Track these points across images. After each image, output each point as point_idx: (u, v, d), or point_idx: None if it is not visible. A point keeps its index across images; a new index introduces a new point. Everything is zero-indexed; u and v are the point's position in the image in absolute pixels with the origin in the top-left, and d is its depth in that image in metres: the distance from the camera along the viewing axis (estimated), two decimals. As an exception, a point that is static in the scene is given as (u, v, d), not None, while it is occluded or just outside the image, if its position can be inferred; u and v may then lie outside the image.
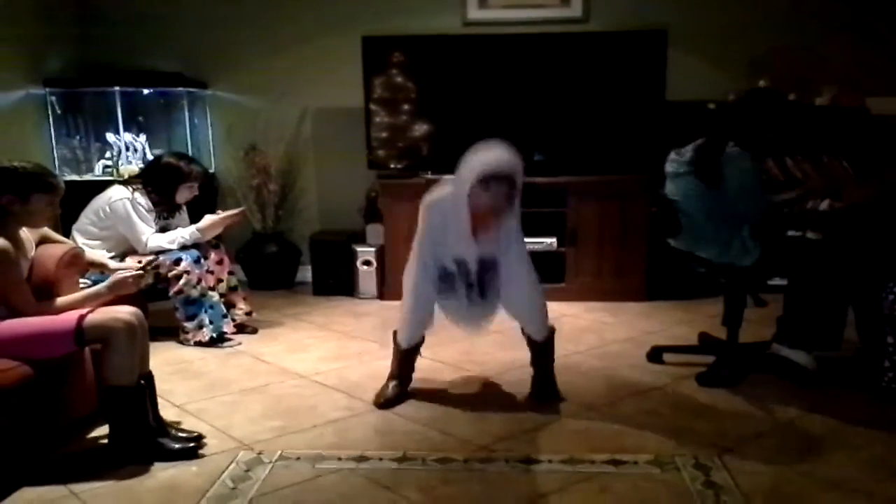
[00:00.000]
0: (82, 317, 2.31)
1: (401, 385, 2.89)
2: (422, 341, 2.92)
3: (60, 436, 2.49)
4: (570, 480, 2.21)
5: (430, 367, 3.23)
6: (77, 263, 2.76)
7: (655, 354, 3.29)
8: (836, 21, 4.50)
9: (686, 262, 3.15)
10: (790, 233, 3.35)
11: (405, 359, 2.91)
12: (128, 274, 2.61)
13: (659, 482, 2.20)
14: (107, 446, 2.39)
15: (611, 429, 2.59)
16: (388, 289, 4.48)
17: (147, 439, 2.36)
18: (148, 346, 2.49)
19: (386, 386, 2.88)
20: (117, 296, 2.57)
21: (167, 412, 2.61)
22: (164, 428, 2.45)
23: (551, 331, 2.92)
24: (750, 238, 2.90)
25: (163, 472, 2.29)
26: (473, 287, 2.75)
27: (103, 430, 2.45)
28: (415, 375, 2.95)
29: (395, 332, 2.93)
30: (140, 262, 3.41)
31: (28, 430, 2.32)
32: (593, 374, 3.15)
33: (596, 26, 4.61)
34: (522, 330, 2.91)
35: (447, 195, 2.71)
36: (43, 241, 2.70)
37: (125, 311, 2.38)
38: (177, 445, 2.40)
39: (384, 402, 2.81)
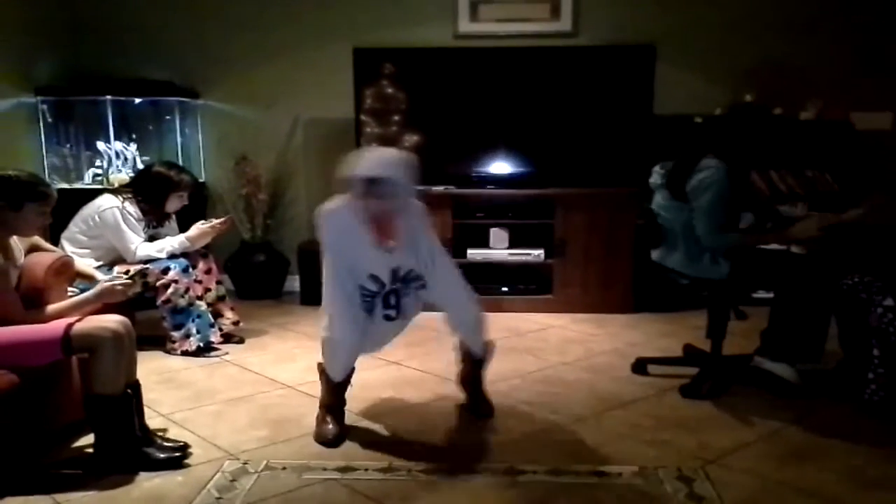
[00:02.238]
0: (69, 325, 2.31)
1: (338, 422, 2.62)
2: (353, 371, 2.68)
3: (45, 444, 2.49)
4: (553, 492, 2.22)
5: (416, 378, 3.25)
6: (66, 272, 2.76)
7: (640, 366, 3.31)
8: (822, 37, 4.56)
9: (668, 275, 3.18)
10: (774, 247, 3.39)
11: (339, 392, 2.66)
12: (116, 282, 2.61)
13: (642, 494, 2.22)
14: (92, 455, 2.39)
15: (595, 440, 2.61)
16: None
17: (132, 448, 2.36)
18: (135, 355, 2.49)
19: (325, 422, 2.61)
20: (105, 304, 2.58)
21: (153, 421, 2.61)
22: (149, 437, 2.45)
23: (491, 346, 2.85)
24: (720, 253, 2.93)
25: (148, 482, 2.28)
26: (390, 303, 2.60)
27: (89, 438, 2.44)
28: (403, 386, 2.94)
29: (319, 364, 2.68)
30: (128, 270, 3.43)
31: (12, 438, 2.31)
32: (579, 385, 3.17)
33: (585, 41, 4.66)
34: (461, 344, 2.81)
35: (343, 204, 2.54)
36: (32, 249, 2.70)
37: (113, 320, 2.38)
38: (162, 455, 2.40)
39: (332, 440, 2.55)
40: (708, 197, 2.88)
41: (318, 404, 2.71)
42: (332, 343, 2.56)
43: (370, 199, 2.47)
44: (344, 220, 2.54)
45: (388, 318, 2.63)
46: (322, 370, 2.68)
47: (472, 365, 2.84)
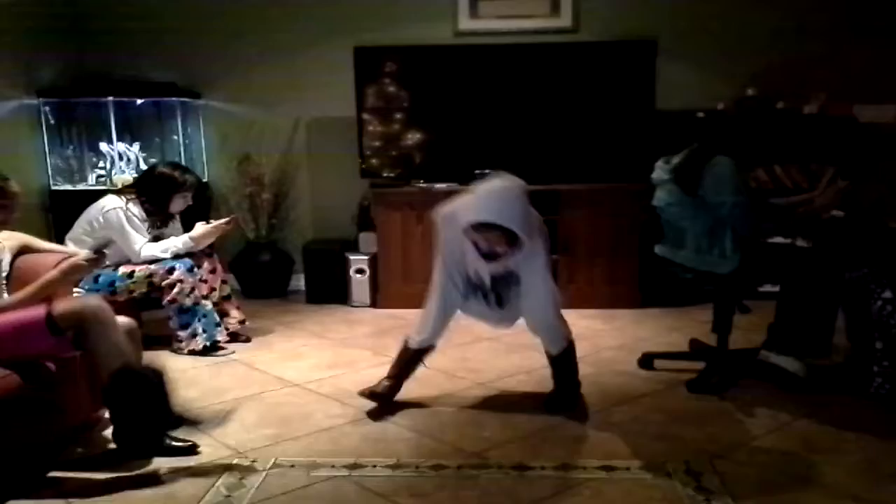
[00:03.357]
0: (49, 305, 2.29)
1: (392, 387, 2.88)
2: (431, 348, 2.94)
3: (54, 446, 2.49)
4: (562, 486, 2.23)
5: (424, 375, 3.24)
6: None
7: (647, 361, 3.31)
8: (824, 30, 4.55)
9: (671, 269, 3.18)
10: (779, 240, 3.39)
11: (408, 362, 2.91)
12: (80, 258, 2.55)
13: (651, 488, 2.22)
14: (113, 437, 2.40)
15: (603, 435, 2.61)
16: (381, 297, 4.50)
17: (152, 428, 2.37)
18: (141, 354, 2.49)
19: (378, 383, 2.89)
20: (72, 281, 2.52)
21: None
22: (160, 437, 2.45)
23: (569, 343, 2.91)
24: (731, 246, 2.93)
25: (158, 480, 2.29)
26: (490, 297, 2.78)
27: (99, 438, 2.46)
28: (409, 383, 2.96)
29: (406, 338, 2.93)
30: (133, 272, 3.45)
31: (20, 440, 2.31)
32: (586, 380, 3.15)
33: (586, 36, 4.65)
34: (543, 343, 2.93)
35: (457, 212, 2.66)
36: (25, 248, 2.70)
37: (91, 298, 2.36)
38: (177, 443, 2.43)
39: (370, 393, 2.83)
40: (728, 187, 2.88)
41: (326, 401, 2.91)
42: (423, 311, 2.88)
43: (478, 237, 2.57)
44: (455, 227, 2.65)
45: (492, 308, 2.82)
46: (405, 343, 2.94)
47: (550, 361, 2.92)
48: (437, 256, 2.83)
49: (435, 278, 2.84)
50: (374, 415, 2.80)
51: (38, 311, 2.30)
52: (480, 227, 2.53)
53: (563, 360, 2.91)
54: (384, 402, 2.85)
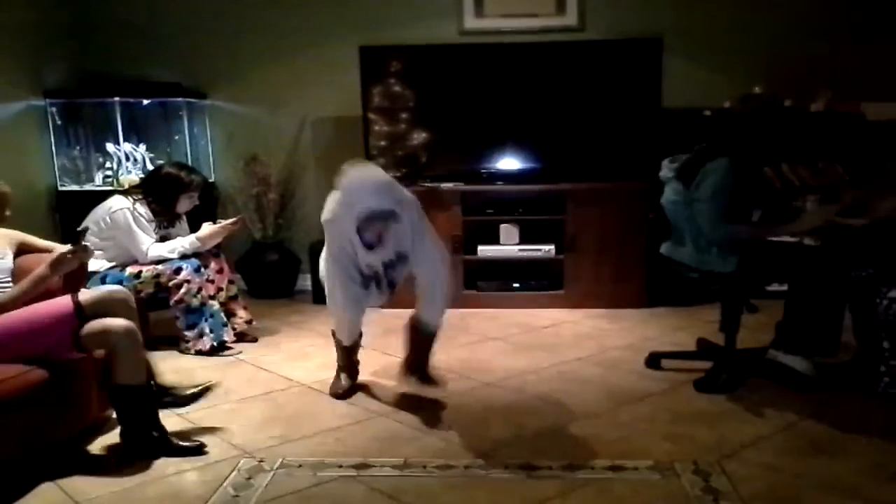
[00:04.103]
0: (73, 295, 2.39)
1: (351, 377, 3.09)
2: (361, 336, 3.13)
3: (62, 444, 2.49)
4: (569, 486, 2.22)
5: (432, 374, 3.25)
6: (79, 271, 2.75)
7: (654, 361, 3.30)
8: (831, 26, 4.52)
9: (676, 269, 3.17)
10: (787, 239, 3.37)
11: (350, 354, 3.10)
12: (65, 250, 2.53)
13: (658, 488, 2.21)
14: (121, 436, 2.44)
15: (610, 435, 2.60)
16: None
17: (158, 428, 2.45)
18: (144, 356, 2.48)
19: (338, 378, 3.09)
20: (61, 275, 2.53)
21: (169, 420, 2.62)
22: (167, 437, 2.46)
23: (440, 324, 3.00)
24: (727, 246, 2.92)
25: (165, 480, 2.30)
26: (382, 283, 2.95)
27: (106, 438, 2.46)
28: (416, 380, 2.98)
29: (333, 332, 3.09)
30: (140, 272, 3.44)
31: (33, 437, 2.32)
32: (592, 380, 3.16)
33: (592, 35, 4.64)
34: (417, 318, 2.98)
35: (340, 213, 2.78)
36: (23, 246, 2.70)
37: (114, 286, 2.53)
38: (184, 443, 2.45)
39: (342, 393, 3.01)
40: (709, 186, 2.87)
41: (332, 397, 3.01)
42: (339, 316, 2.99)
43: (369, 225, 2.74)
44: (341, 227, 2.81)
45: (382, 292, 3.00)
46: (335, 337, 3.08)
47: (419, 335, 2.98)
48: (327, 260, 2.94)
49: (330, 280, 2.93)
50: (344, 396, 3.01)
51: (64, 300, 2.36)
52: (367, 220, 2.70)
53: (433, 339, 3.01)
54: (354, 391, 3.06)
